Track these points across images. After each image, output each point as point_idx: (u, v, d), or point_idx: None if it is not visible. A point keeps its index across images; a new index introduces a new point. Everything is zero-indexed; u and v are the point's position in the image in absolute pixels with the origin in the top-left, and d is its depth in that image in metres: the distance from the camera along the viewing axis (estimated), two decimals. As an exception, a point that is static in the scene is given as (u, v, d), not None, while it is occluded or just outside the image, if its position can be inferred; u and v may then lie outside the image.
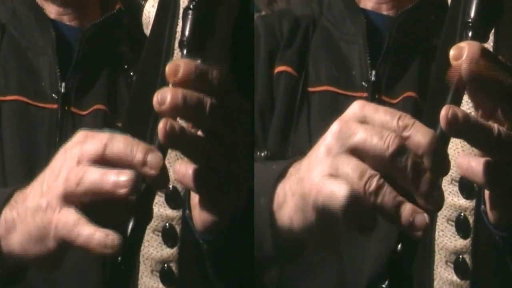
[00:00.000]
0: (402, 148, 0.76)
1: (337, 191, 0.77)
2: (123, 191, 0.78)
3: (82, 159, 0.80)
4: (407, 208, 0.76)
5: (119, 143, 0.80)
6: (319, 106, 1.19)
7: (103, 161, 0.80)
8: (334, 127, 0.80)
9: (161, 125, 0.79)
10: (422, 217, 0.76)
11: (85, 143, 0.81)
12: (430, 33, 1.17)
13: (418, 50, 1.19)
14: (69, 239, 0.79)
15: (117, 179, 0.78)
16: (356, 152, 0.78)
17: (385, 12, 1.23)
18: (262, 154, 1.14)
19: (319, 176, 0.79)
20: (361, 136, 0.78)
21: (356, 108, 0.80)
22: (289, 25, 1.24)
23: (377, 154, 0.77)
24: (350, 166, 0.77)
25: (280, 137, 1.18)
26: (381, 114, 0.79)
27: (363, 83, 1.18)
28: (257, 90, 1.21)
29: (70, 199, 0.80)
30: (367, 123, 0.79)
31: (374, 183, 0.76)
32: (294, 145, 1.17)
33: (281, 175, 0.87)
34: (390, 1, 1.23)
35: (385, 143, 0.76)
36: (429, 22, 1.19)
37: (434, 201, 0.77)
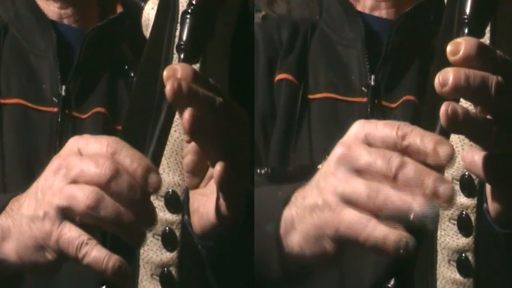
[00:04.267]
0: (403, 163, 0.77)
1: (357, 223, 0.78)
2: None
3: (80, 180, 0.80)
4: (432, 178, 0.76)
5: (125, 180, 0.79)
6: (319, 113, 1.19)
7: (102, 187, 0.80)
8: (337, 151, 0.81)
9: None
10: (447, 186, 0.76)
11: (84, 162, 0.80)
12: (429, 36, 1.17)
13: (417, 53, 1.19)
14: (73, 256, 0.80)
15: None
16: (362, 173, 0.79)
17: (383, 16, 1.23)
18: (263, 171, 1.14)
19: (336, 207, 0.80)
20: (365, 160, 0.79)
21: (357, 129, 0.81)
22: (288, 31, 1.24)
23: (383, 175, 0.78)
24: (361, 189, 0.79)
25: (282, 146, 1.18)
26: (380, 129, 0.80)
27: (363, 88, 1.18)
28: (257, 98, 1.20)
29: (69, 214, 0.80)
30: (369, 144, 0.80)
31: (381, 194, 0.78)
32: (295, 153, 1.17)
33: (287, 200, 0.88)
34: (388, 5, 1.22)
35: (388, 164, 0.77)
36: (428, 25, 1.19)
37: (443, 196, 0.76)
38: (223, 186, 0.86)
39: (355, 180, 0.79)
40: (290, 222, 0.86)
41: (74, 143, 0.82)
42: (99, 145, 0.81)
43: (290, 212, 0.86)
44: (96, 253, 0.79)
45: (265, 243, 0.88)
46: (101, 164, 0.79)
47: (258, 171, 1.12)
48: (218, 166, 0.85)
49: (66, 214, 0.80)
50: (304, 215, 0.84)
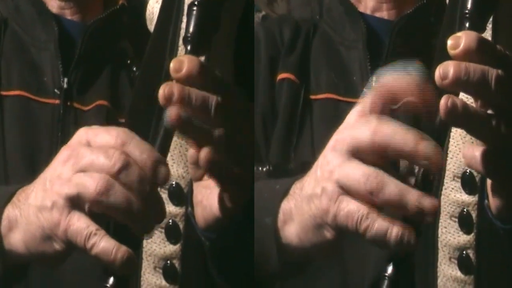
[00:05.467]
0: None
1: (356, 211, 0.79)
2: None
3: (91, 170, 0.80)
4: (411, 194, 0.78)
5: (135, 171, 0.79)
6: (321, 113, 1.19)
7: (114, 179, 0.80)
8: (333, 139, 0.83)
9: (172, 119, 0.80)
10: (429, 200, 0.78)
11: (94, 154, 0.80)
12: (430, 37, 1.17)
13: (418, 54, 1.19)
14: (82, 247, 0.80)
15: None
16: (358, 154, 0.80)
17: (384, 17, 1.23)
18: (264, 169, 1.14)
19: (333, 195, 0.81)
20: (360, 138, 0.80)
21: (352, 118, 0.83)
22: (290, 31, 1.24)
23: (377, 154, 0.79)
24: (356, 175, 0.80)
25: (283, 146, 1.18)
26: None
27: (364, 89, 1.18)
28: (259, 97, 1.21)
29: (78, 203, 0.80)
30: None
31: (375, 182, 0.78)
32: (297, 152, 1.18)
33: (285, 193, 0.88)
34: (390, 6, 1.23)
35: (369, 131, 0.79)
36: (429, 26, 1.19)
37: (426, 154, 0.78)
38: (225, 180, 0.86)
39: (351, 163, 0.80)
40: (288, 214, 0.87)
41: (83, 134, 0.82)
42: (109, 135, 0.81)
43: (288, 204, 0.87)
44: (104, 244, 0.79)
45: (264, 236, 0.89)
46: (110, 155, 0.79)
47: (260, 168, 1.13)
48: (202, 153, 0.85)
49: (75, 203, 0.80)
50: (301, 206, 0.85)
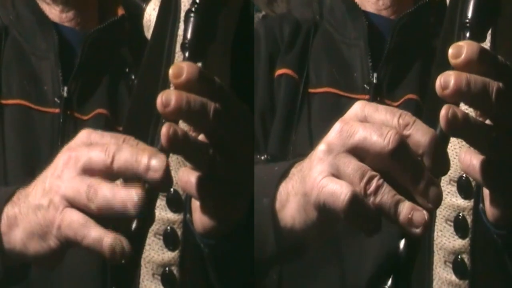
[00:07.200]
0: (402, 145, 0.78)
1: (338, 192, 0.79)
2: (132, 211, 0.79)
3: (88, 169, 0.81)
4: (405, 206, 0.78)
5: (126, 153, 0.80)
6: (319, 107, 1.20)
7: (109, 171, 0.80)
8: (336, 127, 0.82)
9: (164, 130, 0.80)
10: (420, 214, 0.78)
11: (92, 150, 0.81)
12: (431, 36, 1.18)
13: (419, 52, 1.20)
14: (75, 240, 0.80)
15: (128, 199, 0.79)
16: (357, 151, 0.80)
17: (386, 15, 1.24)
18: (262, 158, 1.14)
19: (321, 175, 0.81)
20: (361, 134, 0.79)
21: (357, 108, 0.82)
22: (290, 28, 1.24)
23: (377, 151, 0.79)
24: (351, 167, 0.79)
25: (281, 139, 1.19)
26: (381, 113, 0.81)
27: (365, 85, 1.19)
28: (257, 93, 1.21)
29: (74, 204, 0.81)
30: (367, 122, 0.80)
31: (373, 184, 0.78)
32: (295, 146, 1.18)
33: (284, 175, 0.88)
34: (391, 4, 1.23)
35: (385, 140, 0.78)
36: (430, 25, 1.20)
37: (432, 199, 0.78)
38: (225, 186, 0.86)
39: (347, 157, 0.80)
40: (285, 196, 0.87)
41: (87, 136, 0.83)
42: (115, 139, 0.82)
43: (286, 187, 0.87)
44: (94, 233, 0.79)
45: (262, 219, 0.88)
46: (105, 150, 0.80)
47: (258, 156, 1.13)
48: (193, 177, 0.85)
49: (71, 203, 0.81)
50: (298, 187, 0.85)
